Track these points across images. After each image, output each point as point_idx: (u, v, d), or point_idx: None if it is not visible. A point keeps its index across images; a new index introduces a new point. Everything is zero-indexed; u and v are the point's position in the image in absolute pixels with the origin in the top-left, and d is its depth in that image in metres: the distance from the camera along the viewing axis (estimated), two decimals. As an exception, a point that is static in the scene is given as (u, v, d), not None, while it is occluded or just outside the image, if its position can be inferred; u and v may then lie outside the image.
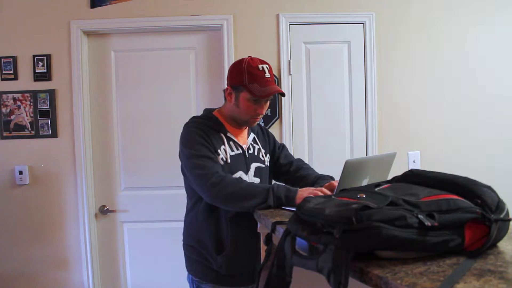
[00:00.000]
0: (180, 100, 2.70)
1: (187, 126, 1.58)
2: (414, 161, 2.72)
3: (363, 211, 0.80)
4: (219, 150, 1.53)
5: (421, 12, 2.71)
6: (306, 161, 2.69)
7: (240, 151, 1.60)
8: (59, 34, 2.61)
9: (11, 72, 2.60)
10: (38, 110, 2.60)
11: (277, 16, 2.64)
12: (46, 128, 2.61)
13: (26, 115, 2.61)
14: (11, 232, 2.64)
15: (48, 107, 2.61)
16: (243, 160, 1.60)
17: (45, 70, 2.60)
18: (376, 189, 0.96)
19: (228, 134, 1.59)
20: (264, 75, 1.51)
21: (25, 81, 2.61)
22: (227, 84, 1.59)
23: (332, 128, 2.70)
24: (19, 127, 2.62)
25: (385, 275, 0.78)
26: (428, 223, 0.78)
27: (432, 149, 2.73)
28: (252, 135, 1.70)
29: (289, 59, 2.66)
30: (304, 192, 1.37)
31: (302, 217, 0.88)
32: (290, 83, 2.66)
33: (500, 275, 0.74)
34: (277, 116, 2.65)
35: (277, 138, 2.66)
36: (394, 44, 2.70)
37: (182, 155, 1.54)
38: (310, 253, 0.85)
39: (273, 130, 2.65)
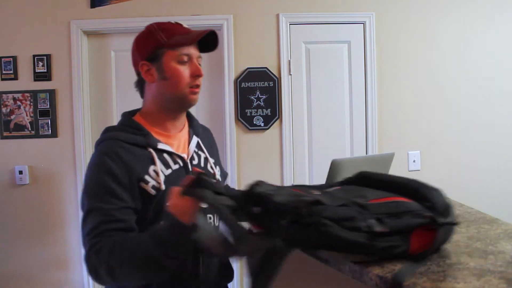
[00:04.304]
0: (180, 100, 2.69)
1: (96, 152, 1.10)
2: (414, 161, 2.72)
3: (315, 205, 0.78)
4: (146, 177, 1.07)
5: (421, 12, 2.71)
6: (306, 161, 2.69)
7: (180, 164, 1.15)
8: (59, 34, 2.61)
9: (11, 72, 2.60)
10: (38, 110, 2.60)
11: (277, 16, 2.64)
12: (46, 128, 2.61)
13: (26, 115, 2.61)
14: (11, 232, 2.64)
15: (48, 107, 2.61)
16: (183, 177, 1.02)
17: (45, 70, 2.60)
18: (329, 189, 0.93)
19: (159, 146, 1.13)
20: (183, 26, 1.17)
21: (25, 81, 2.61)
22: (138, 64, 1.15)
23: (332, 128, 2.70)
24: (19, 127, 2.62)
25: (385, 275, 0.78)
26: (378, 228, 0.77)
27: (432, 149, 2.73)
28: (195, 139, 1.24)
29: (289, 59, 2.66)
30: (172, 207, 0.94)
31: (248, 199, 0.82)
32: (290, 83, 2.66)
33: (500, 275, 0.74)
34: (277, 116, 2.65)
35: (277, 138, 2.69)
36: (394, 44, 2.70)
37: (81, 203, 1.07)
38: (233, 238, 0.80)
39: (273, 130, 2.65)
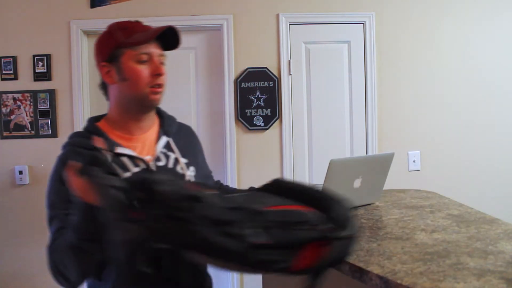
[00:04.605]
0: (180, 100, 2.70)
1: (58, 157, 1.12)
2: (414, 161, 2.72)
3: (196, 202, 0.73)
4: None
5: (421, 12, 2.71)
6: (306, 162, 2.70)
7: (142, 166, 1.11)
8: (59, 34, 2.61)
9: (11, 72, 2.60)
10: (38, 110, 2.60)
11: (277, 16, 2.64)
12: (46, 128, 2.61)
13: (26, 115, 2.61)
14: (11, 232, 2.64)
15: (48, 107, 2.61)
16: None
17: (45, 70, 2.60)
18: (233, 194, 0.89)
19: (117, 149, 1.10)
20: (142, 24, 1.14)
21: (25, 81, 2.61)
22: (100, 65, 1.14)
23: (332, 128, 2.70)
24: (19, 127, 2.62)
25: (385, 275, 0.78)
26: (257, 239, 0.71)
27: (432, 149, 2.73)
28: (164, 139, 1.19)
29: (289, 59, 2.66)
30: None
31: (139, 185, 0.79)
32: (290, 83, 2.66)
33: (500, 275, 0.74)
34: (277, 116, 2.65)
35: (277, 138, 2.69)
36: (394, 44, 2.70)
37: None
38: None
39: (273, 130, 2.65)
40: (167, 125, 1.22)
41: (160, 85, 1.12)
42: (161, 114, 1.24)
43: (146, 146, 1.15)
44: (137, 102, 1.12)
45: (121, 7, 2.61)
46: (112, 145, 1.09)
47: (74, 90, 2.60)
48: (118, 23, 1.13)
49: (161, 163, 1.14)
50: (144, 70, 1.10)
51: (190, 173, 1.18)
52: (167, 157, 1.16)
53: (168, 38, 1.13)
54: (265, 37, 2.65)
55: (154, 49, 1.11)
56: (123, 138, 1.13)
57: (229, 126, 2.64)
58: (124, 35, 1.09)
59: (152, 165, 1.12)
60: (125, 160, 1.09)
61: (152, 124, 1.20)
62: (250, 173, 2.65)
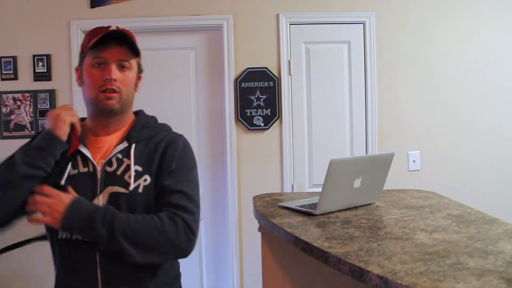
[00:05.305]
0: (180, 100, 2.70)
1: None
2: (414, 161, 2.72)
3: None
4: (56, 174, 1.13)
5: (421, 12, 2.71)
6: (306, 162, 2.70)
7: (89, 169, 1.13)
8: (59, 34, 2.61)
9: (11, 72, 2.60)
10: (38, 110, 2.61)
11: (277, 16, 2.64)
12: (46, 128, 2.62)
13: (26, 115, 2.62)
14: (12, 232, 2.63)
15: (48, 107, 2.61)
16: (89, 182, 1.12)
17: (45, 70, 2.60)
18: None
19: (78, 147, 1.15)
20: (108, 28, 1.13)
21: (25, 81, 2.61)
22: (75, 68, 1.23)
23: (332, 128, 2.70)
24: (19, 127, 2.62)
25: (385, 275, 0.78)
26: None
27: (432, 149, 2.73)
28: (123, 145, 1.16)
29: (289, 59, 2.66)
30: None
31: None
32: (290, 83, 2.66)
33: (500, 275, 0.74)
34: (277, 116, 2.65)
35: (277, 138, 2.69)
36: (394, 44, 2.70)
37: None
38: None
39: (273, 130, 2.65)
40: (134, 131, 1.19)
41: (113, 90, 1.12)
42: (137, 119, 1.24)
43: (104, 148, 1.16)
44: (92, 106, 1.15)
45: (121, 7, 2.61)
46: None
47: (74, 90, 2.60)
48: (94, 28, 1.16)
49: (111, 169, 1.13)
50: (97, 75, 1.11)
51: (139, 182, 1.12)
52: (119, 163, 1.14)
53: (130, 42, 1.15)
54: (265, 37, 2.65)
55: (113, 54, 1.12)
56: (89, 138, 1.18)
57: (229, 126, 2.64)
58: (88, 40, 1.12)
59: (99, 169, 1.12)
60: (79, 158, 1.14)
61: (120, 128, 1.20)
62: (250, 173, 2.65)
